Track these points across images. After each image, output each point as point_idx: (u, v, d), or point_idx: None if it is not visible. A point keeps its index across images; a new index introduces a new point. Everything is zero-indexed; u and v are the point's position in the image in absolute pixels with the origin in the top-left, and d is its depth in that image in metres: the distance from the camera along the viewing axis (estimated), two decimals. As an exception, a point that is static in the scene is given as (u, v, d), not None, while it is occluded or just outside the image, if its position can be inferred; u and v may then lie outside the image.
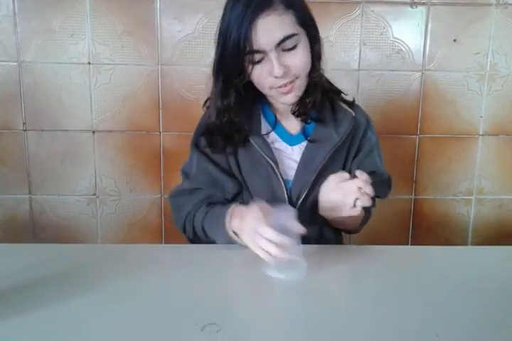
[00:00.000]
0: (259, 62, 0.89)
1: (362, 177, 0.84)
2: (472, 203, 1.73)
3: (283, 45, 0.87)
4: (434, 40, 1.61)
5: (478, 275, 0.80)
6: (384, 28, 1.59)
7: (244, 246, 0.84)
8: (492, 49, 1.61)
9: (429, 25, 1.59)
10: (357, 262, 0.86)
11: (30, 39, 1.54)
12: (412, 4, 1.58)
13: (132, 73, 1.58)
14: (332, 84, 1.06)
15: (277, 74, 0.88)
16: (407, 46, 1.60)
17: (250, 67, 0.90)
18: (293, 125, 1.04)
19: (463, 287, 0.75)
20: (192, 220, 1.01)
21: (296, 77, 0.92)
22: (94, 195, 1.67)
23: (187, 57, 1.58)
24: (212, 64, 0.94)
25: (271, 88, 0.93)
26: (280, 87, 0.92)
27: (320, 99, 0.99)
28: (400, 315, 0.66)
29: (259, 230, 0.78)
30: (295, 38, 0.88)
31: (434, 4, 1.58)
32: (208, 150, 1.02)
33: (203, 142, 1.02)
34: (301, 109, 0.99)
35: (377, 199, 1.13)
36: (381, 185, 1.11)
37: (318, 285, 0.76)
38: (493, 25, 1.60)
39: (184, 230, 1.04)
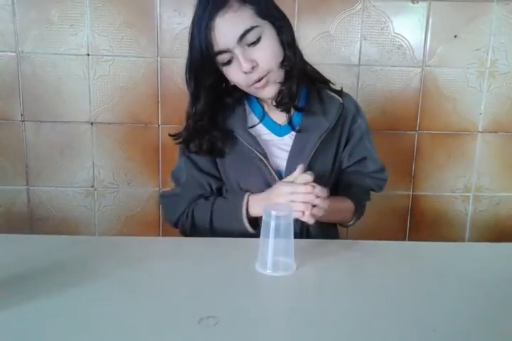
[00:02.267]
0: (229, 62, 0.90)
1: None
2: (470, 200, 1.74)
3: (245, 39, 0.87)
4: (434, 36, 1.60)
5: (475, 272, 0.80)
6: (385, 23, 1.58)
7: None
8: (493, 45, 1.61)
9: (430, 21, 1.59)
10: (354, 257, 0.86)
11: (28, 29, 1.53)
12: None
13: (131, 65, 1.57)
14: (319, 74, 1.05)
15: (245, 69, 0.88)
16: (408, 41, 1.60)
17: (223, 68, 0.91)
18: (280, 116, 1.03)
19: (460, 283, 0.75)
20: (190, 214, 1.02)
21: (268, 71, 0.91)
22: (92, 187, 1.66)
23: (186, 49, 1.57)
24: (184, 70, 0.95)
25: (248, 86, 0.93)
26: (254, 84, 0.91)
27: (296, 88, 0.96)
28: (397, 310, 0.66)
29: (297, 190, 0.87)
30: (256, 30, 0.87)
31: (435, 0, 1.57)
32: (194, 156, 1.03)
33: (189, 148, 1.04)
34: (280, 100, 0.97)
35: (376, 193, 1.14)
36: (375, 179, 1.11)
37: (316, 280, 0.76)
38: (494, 22, 1.59)
39: (176, 225, 1.07)
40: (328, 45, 1.58)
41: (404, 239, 1.74)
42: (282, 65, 0.93)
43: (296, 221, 1.00)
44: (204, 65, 0.90)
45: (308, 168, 0.98)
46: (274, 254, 0.77)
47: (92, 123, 1.61)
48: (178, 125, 1.62)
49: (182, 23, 1.55)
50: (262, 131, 1.03)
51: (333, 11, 1.56)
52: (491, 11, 1.58)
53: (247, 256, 0.82)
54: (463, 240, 1.76)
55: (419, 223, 1.74)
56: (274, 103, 0.98)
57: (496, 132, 1.68)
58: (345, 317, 0.63)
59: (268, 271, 0.77)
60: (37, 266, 0.77)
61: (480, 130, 1.68)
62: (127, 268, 0.77)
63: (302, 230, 1.03)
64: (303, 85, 1.00)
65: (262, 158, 0.99)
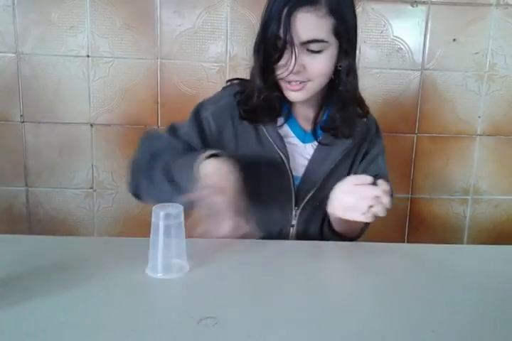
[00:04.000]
0: (282, 48, 0.87)
1: (383, 187, 0.81)
2: (468, 203, 1.74)
3: (309, 45, 0.86)
4: (433, 39, 1.61)
5: (473, 274, 0.80)
6: (384, 26, 1.59)
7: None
8: (491, 49, 1.61)
9: (429, 24, 1.60)
10: (353, 259, 0.86)
11: (28, 30, 1.53)
12: (413, 3, 1.58)
13: (131, 67, 1.58)
14: (363, 99, 1.04)
15: (290, 69, 0.87)
16: (407, 45, 1.60)
17: (272, 50, 0.89)
18: (308, 122, 1.03)
19: (458, 284, 0.75)
20: (155, 154, 0.98)
21: (309, 80, 0.91)
22: (91, 188, 1.66)
23: (186, 51, 1.58)
24: (254, 41, 0.93)
25: (280, 78, 0.92)
26: (290, 82, 0.91)
27: (350, 114, 0.98)
28: (395, 312, 0.66)
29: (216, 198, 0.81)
30: (323, 44, 0.87)
31: (434, 3, 1.58)
32: (205, 122, 0.99)
33: (205, 113, 1.00)
34: (330, 124, 0.99)
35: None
36: None
37: (315, 281, 0.76)
38: (493, 26, 1.60)
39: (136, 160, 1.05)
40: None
41: (402, 242, 1.74)
42: (337, 88, 0.94)
43: (316, 224, 1.03)
44: (275, 42, 0.87)
45: (323, 182, 1.00)
46: (164, 256, 0.75)
47: (91, 125, 1.61)
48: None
49: (182, 24, 1.56)
50: (289, 134, 1.02)
51: (333, 14, 1.56)
52: (489, 15, 1.59)
53: (246, 257, 0.82)
54: (461, 243, 1.76)
55: (418, 226, 1.74)
56: (325, 127, 0.99)
57: (494, 135, 1.69)
58: (343, 319, 0.63)
59: (159, 275, 0.74)
60: (35, 267, 0.76)
61: (478, 133, 1.68)
62: (126, 268, 0.77)
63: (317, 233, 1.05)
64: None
65: (285, 160, 0.98)
